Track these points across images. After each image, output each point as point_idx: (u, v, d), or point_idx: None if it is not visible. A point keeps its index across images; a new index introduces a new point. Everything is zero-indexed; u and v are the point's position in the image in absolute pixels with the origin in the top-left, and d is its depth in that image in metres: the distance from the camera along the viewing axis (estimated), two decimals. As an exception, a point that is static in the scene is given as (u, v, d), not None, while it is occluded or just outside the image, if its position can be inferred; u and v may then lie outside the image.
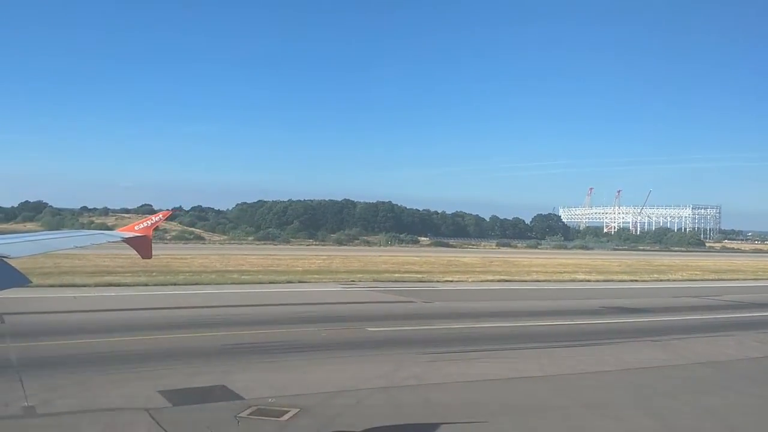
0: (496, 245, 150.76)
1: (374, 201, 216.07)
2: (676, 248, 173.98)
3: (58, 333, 21.27)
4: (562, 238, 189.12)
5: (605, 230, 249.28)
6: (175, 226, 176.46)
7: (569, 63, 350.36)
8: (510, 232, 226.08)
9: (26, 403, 13.05)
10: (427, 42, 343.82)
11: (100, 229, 15.15)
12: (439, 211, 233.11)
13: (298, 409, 12.90)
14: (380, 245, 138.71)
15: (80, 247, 11.15)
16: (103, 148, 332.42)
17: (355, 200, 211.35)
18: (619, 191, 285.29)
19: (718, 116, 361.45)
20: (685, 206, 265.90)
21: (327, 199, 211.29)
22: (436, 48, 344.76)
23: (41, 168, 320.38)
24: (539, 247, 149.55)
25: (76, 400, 13.43)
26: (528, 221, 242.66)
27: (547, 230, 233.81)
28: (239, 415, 12.54)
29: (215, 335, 21.59)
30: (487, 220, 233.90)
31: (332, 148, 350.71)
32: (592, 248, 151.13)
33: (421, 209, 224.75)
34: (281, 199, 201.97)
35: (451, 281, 48.08)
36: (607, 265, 77.66)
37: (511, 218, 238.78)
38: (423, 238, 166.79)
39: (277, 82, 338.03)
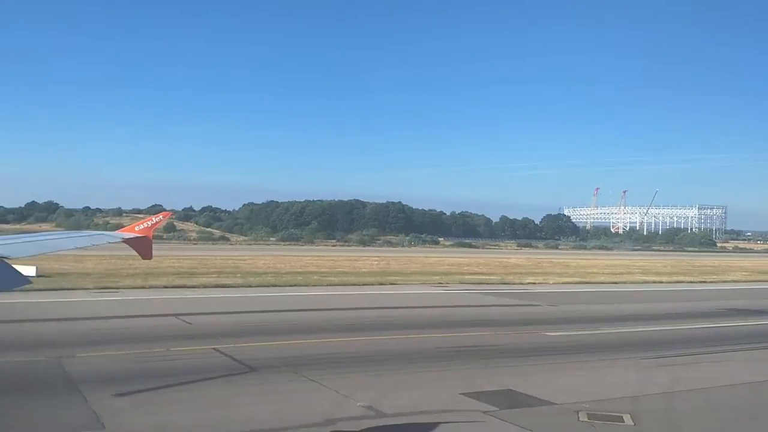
0: (517, 246, 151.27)
1: (383, 201, 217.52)
2: (690, 249, 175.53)
3: (284, 332, 21.82)
4: (577, 239, 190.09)
5: (613, 230, 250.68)
6: (191, 227, 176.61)
7: (573, 65, 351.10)
8: (520, 232, 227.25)
9: (360, 404, 13.40)
10: (430, 44, 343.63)
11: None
12: (447, 212, 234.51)
13: (629, 414, 13.31)
14: (403, 246, 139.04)
15: (81, 248, 11.22)
16: (104, 148, 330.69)
17: (364, 200, 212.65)
18: (624, 191, 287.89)
19: (719, 117, 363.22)
20: (692, 206, 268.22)
21: (336, 200, 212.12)
22: (439, 50, 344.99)
23: (43, 168, 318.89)
24: (559, 247, 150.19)
25: (405, 401, 13.76)
26: (537, 221, 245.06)
27: (556, 230, 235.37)
28: (580, 419, 12.92)
29: (419, 338, 22.12)
30: (497, 220, 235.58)
31: (336, 149, 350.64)
32: (611, 249, 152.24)
33: (426, 209, 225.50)
34: (289, 200, 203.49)
35: (534, 283, 48.49)
36: (654, 266, 78.28)
37: (520, 218, 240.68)
38: (442, 239, 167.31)
39: (281, 84, 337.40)
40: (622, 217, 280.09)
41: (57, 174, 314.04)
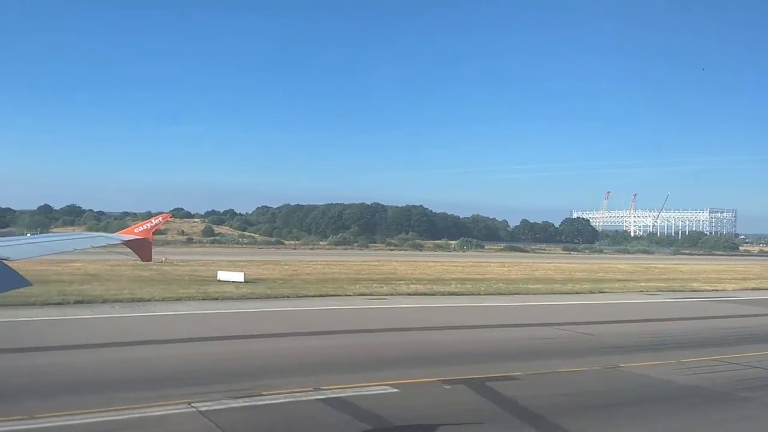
0: (563, 250, 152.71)
1: (403, 204, 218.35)
2: (719, 252, 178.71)
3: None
4: (612, 242, 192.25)
5: (632, 234, 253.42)
6: (229, 231, 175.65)
7: (581, 66, 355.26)
8: (540, 236, 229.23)
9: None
10: (437, 46, 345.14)
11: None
12: (461, 216, 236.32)
13: None
14: (456, 250, 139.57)
15: (80, 249, 10.94)
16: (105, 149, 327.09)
17: (384, 204, 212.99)
18: (635, 195, 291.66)
19: (727, 119, 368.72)
20: (702, 210, 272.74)
21: (357, 203, 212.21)
22: (447, 52, 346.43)
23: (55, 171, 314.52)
24: (604, 251, 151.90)
25: None
26: (556, 224, 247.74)
27: (575, 234, 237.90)
28: None
29: None
30: (518, 224, 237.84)
31: (341, 150, 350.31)
32: (653, 253, 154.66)
33: (448, 213, 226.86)
34: (310, 203, 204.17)
35: (717, 290, 49.72)
36: (740, 270, 79.73)
37: (540, 222, 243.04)
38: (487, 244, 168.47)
39: (288, 86, 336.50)
40: (632, 221, 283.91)
41: (72, 177, 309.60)
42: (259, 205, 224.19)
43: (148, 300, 31.98)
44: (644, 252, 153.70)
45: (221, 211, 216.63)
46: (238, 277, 44.53)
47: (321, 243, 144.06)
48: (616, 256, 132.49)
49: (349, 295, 36.68)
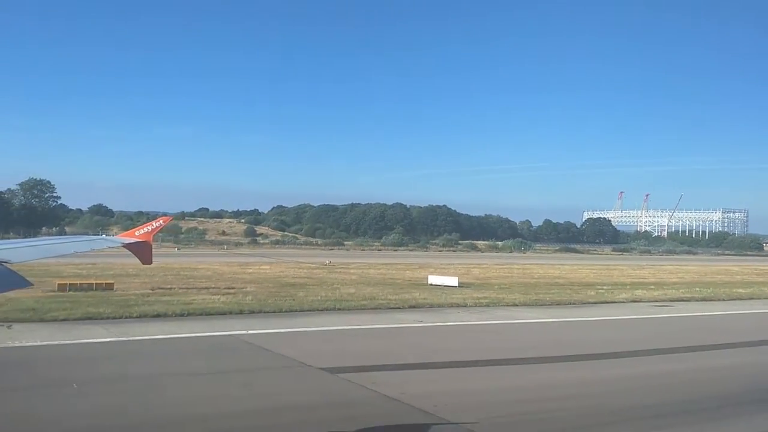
0: (612, 251, 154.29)
1: (426, 205, 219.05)
2: (750, 253, 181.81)
3: None
4: (646, 243, 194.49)
5: (656, 234, 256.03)
6: (268, 231, 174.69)
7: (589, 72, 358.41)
8: (563, 235, 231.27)
9: None
10: (453, 51, 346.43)
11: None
12: (493, 215, 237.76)
13: None
14: (509, 251, 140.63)
15: (80, 252, 10.83)
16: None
17: (408, 204, 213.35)
18: (647, 195, 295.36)
19: (736, 121, 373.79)
20: (715, 210, 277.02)
21: (376, 203, 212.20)
22: (459, 57, 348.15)
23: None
24: (653, 253, 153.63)
25: None
26: (578, 225, 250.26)
27: (597, 234, 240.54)
28: None
29: None
30: (540, 223, 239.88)
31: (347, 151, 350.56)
32: (698, 253, 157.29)
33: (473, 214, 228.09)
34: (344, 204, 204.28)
35: None
36: None
37: (563, 222, 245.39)
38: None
39: (291, 88, 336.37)
40: (650, 221, 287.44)
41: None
42: (274, 205, 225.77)
43: (438, 306, 32.68)
44: (688, 252, 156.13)
45: (248, 210, 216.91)
46: (452, 281, 44.99)
47: (375, 244, 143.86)
48: (671, 257, 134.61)
49: (621, 302, 37.45)
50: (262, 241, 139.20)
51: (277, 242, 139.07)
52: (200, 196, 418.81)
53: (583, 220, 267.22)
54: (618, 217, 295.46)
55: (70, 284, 34.41)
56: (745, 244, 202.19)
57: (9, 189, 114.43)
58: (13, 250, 8.01)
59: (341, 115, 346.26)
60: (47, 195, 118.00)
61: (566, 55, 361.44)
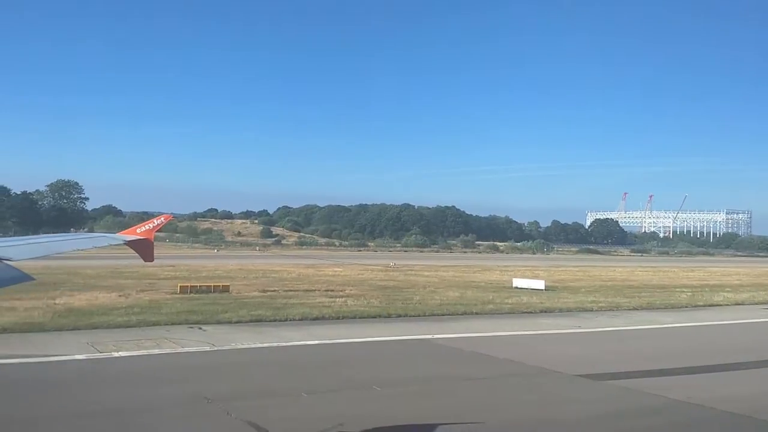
0: (630, 252, 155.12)
1: (435, 206, 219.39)
2: (762, 254, 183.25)
3: None
4: (657, 244, 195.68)
5: (663, 235, 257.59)
6: (283, 231, 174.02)
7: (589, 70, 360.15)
8: (572, 236, 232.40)
9: None
10: (457, 52, 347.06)
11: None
12: (498, 216, 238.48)
13: None
14: (531, 252, 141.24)
15: (81, 249, 10.90)
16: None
17: (416, 205, 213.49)
18: (651, 196, 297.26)
19: (745, 122, 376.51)
20: (719, 211, 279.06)
21: (388, 204, 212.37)
22: (469, 58, 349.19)
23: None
24: (671, 254, 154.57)
25: None
26: (583, 226, 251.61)
27: (606, 235, 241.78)
28: None
29: None
30: (549, 224, 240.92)
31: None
32: (714, 254, 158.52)
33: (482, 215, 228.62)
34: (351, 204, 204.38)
35: None
36: None
37: (571, 223, 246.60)
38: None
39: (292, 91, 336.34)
40: (649, 222, 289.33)
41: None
42: (280, 206, 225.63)
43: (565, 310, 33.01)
44: (705, 254, 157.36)
45: (255, 212, 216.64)
46: (538, 284, 45.14)
47: (397, 245, 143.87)
48: (694, 258, 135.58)
49: (724, 304, 37.82)
50: (285, 242, 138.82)
51: (301, 243, 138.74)
52: (201, 197, 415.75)
53: (587, 220, 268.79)
54: (622, 218, 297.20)
55: (190, 287, 34.76)
56: (754, 245, 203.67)
57: (37, 190, 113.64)
58: (15, 248, 8.06)
59: (344, 116, 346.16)
60: (75, 196, 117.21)
61: (574, 57, 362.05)
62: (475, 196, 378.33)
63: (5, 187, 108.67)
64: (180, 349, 19.41)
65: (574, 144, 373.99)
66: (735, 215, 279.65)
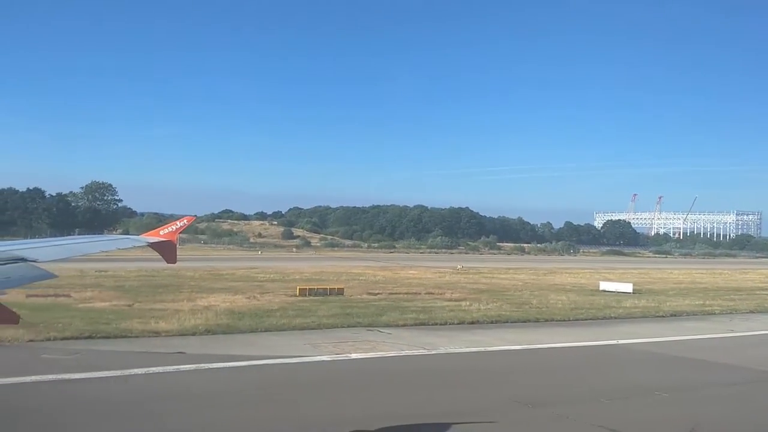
0: (653, 253, 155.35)
1: (448, 207, 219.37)
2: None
3: None
4: (679, 245, 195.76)
5: (674, 237, 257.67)
6: (307, 234, 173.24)
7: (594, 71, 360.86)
8: (584, 237, 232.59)
9: None
10: (464, 53, 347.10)
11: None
12: (510, 217, 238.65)
13: None
14: (558, 254, 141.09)
15: (106, 251, 10.95)
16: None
17: (429, 206, 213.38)
18: (660, 197, 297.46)
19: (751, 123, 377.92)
20: (729, 212, 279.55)
21: (400, 205, 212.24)
22: (478, 59, 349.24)
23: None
24: (695, 255, 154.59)
25: None
26: (598, 227, 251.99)
27: (618, 236, 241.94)
28: None
29: None
30: (561, 226, 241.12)
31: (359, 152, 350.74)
32: (736, 255, 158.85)
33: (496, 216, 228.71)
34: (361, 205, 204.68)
35: None
36: None
37: (583, 224, 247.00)
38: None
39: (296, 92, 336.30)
40: (658, 223, 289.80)
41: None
42: (290, 207, 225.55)
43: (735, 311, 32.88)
44: (727, 255, 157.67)
45: (269, 213, 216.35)
46: (626, 287, 44.81)
47: (422, 247, 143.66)
48: (718, 260, 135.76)
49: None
50: (314, 244, 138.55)
51: (328, 245, 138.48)
52: (209, 198, 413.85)
53: (596, 221, 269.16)
54: (631, 219, 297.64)
55: (309, 289, 34.76)
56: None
57: (72, 192, 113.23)
58: (40, 249, 8.19)
59: (354, 116, 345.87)
60: (109, 197, 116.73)
61: (566, 60, 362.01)
62: (485, 197, 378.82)
63: (40, 189, 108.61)
64: (403, 353, 18.94)
65: (582, 145, 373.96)
66: (745, 216, 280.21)
